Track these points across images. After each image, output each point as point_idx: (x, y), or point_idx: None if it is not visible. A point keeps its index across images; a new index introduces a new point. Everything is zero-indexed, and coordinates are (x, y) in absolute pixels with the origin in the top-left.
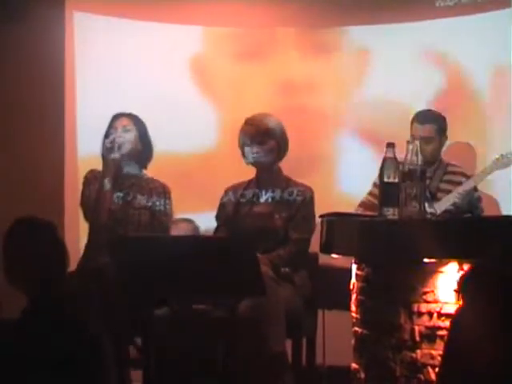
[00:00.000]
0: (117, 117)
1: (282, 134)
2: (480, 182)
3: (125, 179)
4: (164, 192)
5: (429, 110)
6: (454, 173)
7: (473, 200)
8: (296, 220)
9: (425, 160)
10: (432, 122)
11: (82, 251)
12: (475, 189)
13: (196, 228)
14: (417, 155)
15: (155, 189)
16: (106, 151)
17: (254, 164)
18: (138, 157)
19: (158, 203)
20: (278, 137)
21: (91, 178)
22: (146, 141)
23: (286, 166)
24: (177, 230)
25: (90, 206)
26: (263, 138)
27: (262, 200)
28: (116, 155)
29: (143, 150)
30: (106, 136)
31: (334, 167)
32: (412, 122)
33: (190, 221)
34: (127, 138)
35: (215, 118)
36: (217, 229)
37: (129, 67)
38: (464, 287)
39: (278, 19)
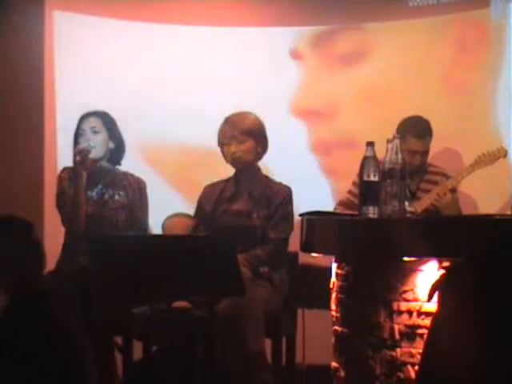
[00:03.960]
0: (85, 117)
1: (261, 132)
2: (460, 181)
3: (99, 178)
4: (139, 188)
5: (422, 120)
6: (434, 173)
7: (452, 199)
8: (275, 219)
9: (415, 169)
10: (429, 135)
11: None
12: (454, 189)
13: (190, 224)
14: (397, 154)
15: (130, 185)
16: (78, 155)
17: (233, 163)
18: (111, 155)
19: (133, 200)
20: (256, 136)
21: (65, 179)
22: (117, 138)
23: None
24: (171, 225)
25: (67, 211)
26: (241, 138)
27: (241, 198)
28: (87, 160)
29: (115, 148)
30: (75, 138)
31: None
32: (405, 133)
33: (187, 216)
34: (97, 140)
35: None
36: (195, 227)
37: (110, 66)
38: (443, 287)
39: (265, 18)
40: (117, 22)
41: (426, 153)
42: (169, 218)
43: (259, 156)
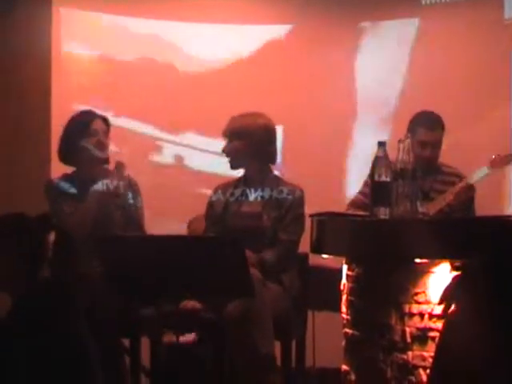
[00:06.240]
0: (95, 118)
1: (258, 135)
2: (474, 182)
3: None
4: (130, 184)
5: (433, 113)
6: (447, 173)
7: (466, 200)
8: (285, 221)
9: (428, 165)
10: (441, 127)
11: None
12: (469, 189)
13: None
14: (408, 154)
15: (122, 185)
16: (98, 154)
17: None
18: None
19: (126, 197)
20: (249, 138)
21: (54, 189)
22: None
23: None
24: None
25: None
26: (232, 137)
27: (251, 199)
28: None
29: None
30: (82, 136)
31: None
32: (415, 126)
33: None
34: (107, 143)
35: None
36: (206, 228)
37: (116, 64)
38: (457, 290)
39: (276, 16)
40: (125, 19)
41: (436, 145)
42: (194, 218)
43: (259, 159)
